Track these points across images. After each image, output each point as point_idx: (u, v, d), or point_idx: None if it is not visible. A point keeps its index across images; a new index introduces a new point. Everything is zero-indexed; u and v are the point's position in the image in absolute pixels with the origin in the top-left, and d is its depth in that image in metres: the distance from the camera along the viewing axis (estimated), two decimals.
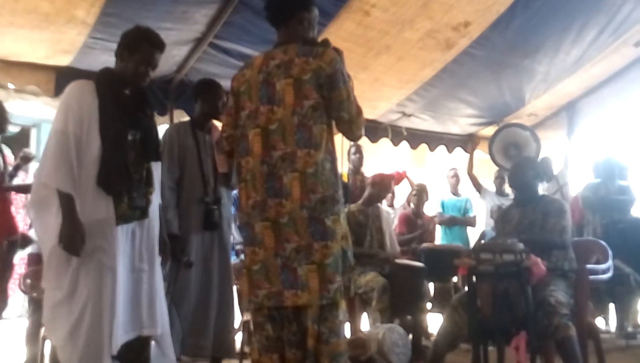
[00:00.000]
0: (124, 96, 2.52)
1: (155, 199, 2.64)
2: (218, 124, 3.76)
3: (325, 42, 2.49)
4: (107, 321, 2.35)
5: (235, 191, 4.47)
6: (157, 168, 2.68)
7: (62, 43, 4.05)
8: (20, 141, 6.44)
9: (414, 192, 5.80)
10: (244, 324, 4.16)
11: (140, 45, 2.54)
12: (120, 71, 2.57)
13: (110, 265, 2.39)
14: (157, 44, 2.59)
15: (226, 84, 3.67)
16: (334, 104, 2.39)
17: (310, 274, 2.29)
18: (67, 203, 2.33)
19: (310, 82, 2.35)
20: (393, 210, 6.21)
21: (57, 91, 4.29)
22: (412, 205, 5.82)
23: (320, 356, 2.28)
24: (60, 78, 4.28)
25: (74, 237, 2.32)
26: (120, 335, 2.42)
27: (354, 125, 2.45)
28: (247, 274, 2.41)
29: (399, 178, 6.35)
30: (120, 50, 2.57)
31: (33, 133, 6.56)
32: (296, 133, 2.34)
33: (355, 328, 4.16)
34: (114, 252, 2.40)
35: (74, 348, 2.32)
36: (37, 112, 6.28)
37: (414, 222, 5.59)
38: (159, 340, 2.59)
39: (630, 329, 5.23)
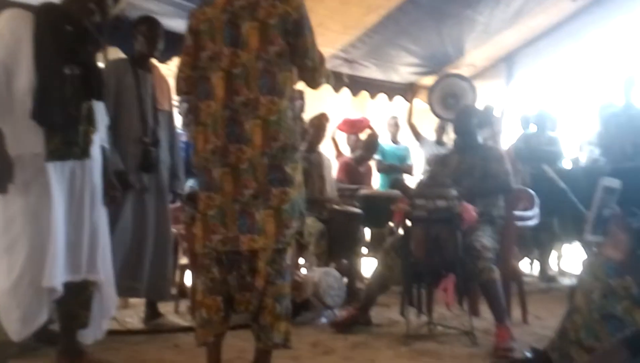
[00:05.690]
0: (65, 30, 2.40)
1: (97, 139, 2.55)
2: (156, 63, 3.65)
3: None
4: (47, 260, 2.29)
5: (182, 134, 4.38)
6: (100, 108, 2.59)
7: None
8: None
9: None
10: (181, 268, 4.17)
11: None
12: (65, 5, 2.45)
13: (44, 201, 2.31)
14: None
15: (163, 21, 3.56)
16: (299, 51, 2.35)
17: (267, 219, 2.30)
18: None
19: (277, 27, 2.30)
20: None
21: None
22: (357, 152, 5.81)
23: (265, 296, 2.31)
24: None
25: (1, 172, 2.24)
26: (59, 276, 2.36)
27: (317, 73, 2.44)
28: (202, 219, 2.38)
29: (362, 125, 6.31)
30: None
31: None
32: (260, 79, 2.30)
33: (292, 272, 4.23)
34: (49, 188, 2.32)
35: (13, 290, 2.27)
36: None
37: (355, 170, 5.59)
38: (100, 287, 2.55)
39: (551, 273, 5.57)
